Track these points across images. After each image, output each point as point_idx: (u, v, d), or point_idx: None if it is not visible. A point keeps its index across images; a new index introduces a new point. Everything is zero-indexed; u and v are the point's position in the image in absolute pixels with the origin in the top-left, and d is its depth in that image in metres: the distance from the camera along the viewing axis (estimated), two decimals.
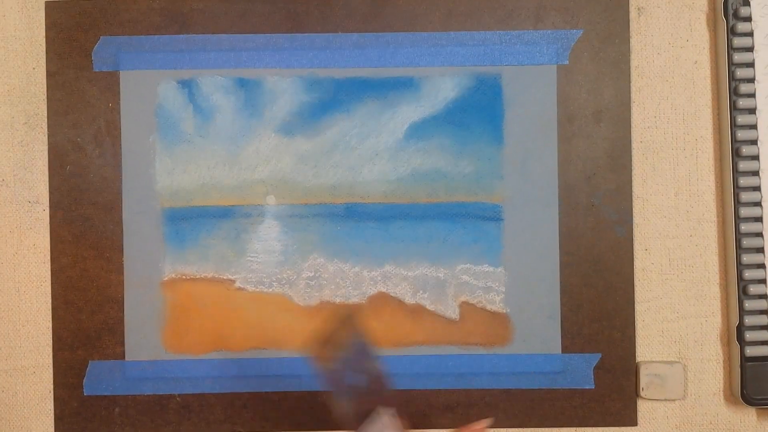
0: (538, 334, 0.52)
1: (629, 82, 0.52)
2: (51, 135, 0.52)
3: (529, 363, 0.52)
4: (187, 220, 0.52)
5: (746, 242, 0.50)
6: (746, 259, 0.50)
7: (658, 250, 0.52)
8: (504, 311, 0.52)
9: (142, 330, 0.52)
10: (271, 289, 0.52)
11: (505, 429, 0.52)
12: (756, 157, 0.50)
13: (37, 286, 0.52)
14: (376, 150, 0.52)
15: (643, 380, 0.51)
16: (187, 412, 0.52)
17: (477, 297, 0.52)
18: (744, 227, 0.50)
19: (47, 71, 0.52)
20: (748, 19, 0.50)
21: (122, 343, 0.52)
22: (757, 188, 0.50)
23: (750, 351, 0.50)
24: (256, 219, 0.52)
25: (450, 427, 0.52)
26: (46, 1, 0.52)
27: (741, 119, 0.50)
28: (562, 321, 0.52)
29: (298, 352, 0.52)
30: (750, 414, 0.52)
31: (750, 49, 0.50)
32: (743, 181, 0.50)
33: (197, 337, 0.52)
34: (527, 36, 0.52)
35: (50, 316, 0.52)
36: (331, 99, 0.52)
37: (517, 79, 0.52)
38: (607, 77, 0.52)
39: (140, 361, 0.52)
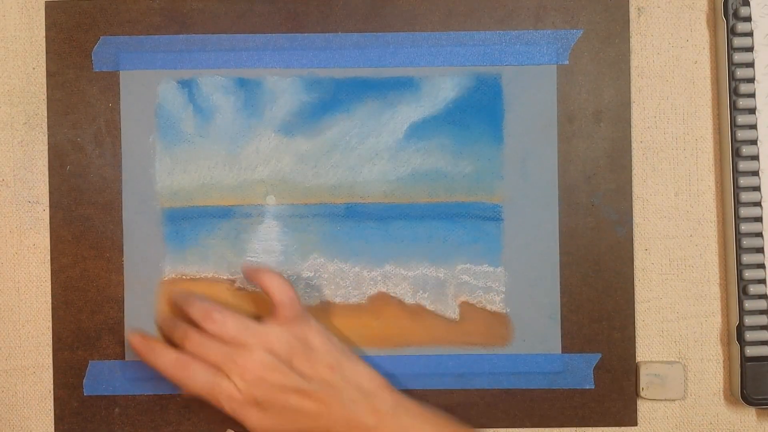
0: (538, 334, 0.52)
1: (629, 82, 0.52)
2: (51, 135, 0.52)
3: (529, 363, 0.52)
4: (187, 220, 0.52)
5: (746, 242, 0.50)
6: (746, 259, 0.50)
7: (658, 250, 0.52)
8: (504, 311, 0.52)
9: (141, 330, 0.51)
10: None
11: (505, 429, 0.52)
12: (756, 157, 0.50)
13: (37, 286, 0.52)
14: (376, 150, 0.52)
15: (643, 380, 0.51)
16: (187, 412, 0.52)
17: (477, 297, 0.52)
18: (744, 227, 0.50)
19: (47, 71, 0.52)
20: (748, 19, 0.50)
21: (122, 343, 0.52)
22: (757, 188, 0.50)
23: (750, 351, 0.50)
24: (256, 219, 0.52)
25: None
26: (46, 1, 0.52)
27: (741, 119, 0.50)
28: (562, 321, 0.52)
29: None
30: (750, 414, 0.52)
31: (750, 49, 0.50)
32: (743, 181, 0.50)
33: None
34: (527, 36, 0.52)
35: (50, 316, 0.52)
36: (331, 99, 0.52)
37: (517, 79, 0.52)
38: (607, 77, 0.52)
39: (140, 361, 0.52)
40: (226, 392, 0.46)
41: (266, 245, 0.52)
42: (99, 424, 0.52)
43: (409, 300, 0.52)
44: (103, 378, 0.52)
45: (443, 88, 0.52)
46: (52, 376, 0.52)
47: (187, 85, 0.52)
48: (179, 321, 0.49)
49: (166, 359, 0.47)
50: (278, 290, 0.48)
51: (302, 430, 0.46)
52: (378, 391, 0.47)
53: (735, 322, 0.51)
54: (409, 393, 0.51)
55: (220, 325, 0.47)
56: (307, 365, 0.46)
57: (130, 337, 0.49)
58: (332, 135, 0.52)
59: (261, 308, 0.52)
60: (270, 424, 0.46)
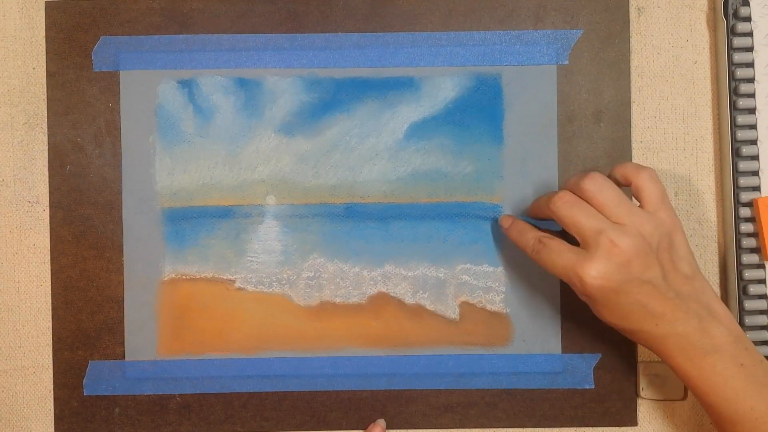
0: (538, 334, 0.52)
1: (629, 82, 0.52)
2: (51, 135, 0.52)
3: (529, 363, 0.52)
4: (187, 220, 0.52)
5: (746, 242, 0.50)
6: (746, 259, 0.50)
7: None
8: (504, 311, 0.52)
9: (141, 330, 0.52)
10: (271, 289, 0.52)
11: (505, 429, 0.52)
12: (756, 157, 0.50)
13: (37, 286, 0.52)
14: (376, 150, 0.52)
15: (643, 380, 0.51)
16: (187, 412, 0.52)
17: (477, 297, 0.52)
18: (744, 227, 0.50)
19: (47, 71, 0.52)
20: (748, 19, 0.50)
21: (122, 343, 0.52)
22: (757, 188, 0.50)
23: None
24: (256, 219, 0.52)
25: (450, 427, 0.52)
26: (46, 1, 0.52)
27: (741, 119, 0.50)
28: (562, 321, 0.52)
29: (298, 352, 0.52)
30: None
31: (750, 49, 0.50)
32: (743, 181, 0.50)
33: (197, 337, 0.52)
34: (527, 36, 0.52)
35: (50, 316, 0.52)
36: (331, 99, 0.52)
37: (517, 79, 0.52)
38: (607, 77, 0.52)
39: (140, 361, 0.52)
40: (585, 273, 0.42)
41: (266, 245, 0.52)
42: (99, 424, 0.52)
43: (409, 300, 0.52)
44: (103, 378, 0.52)
45: (443, 88, 0.52)
46: (52, 376, 0.52)
47: (187, 85, 0.52)
48: (578, 187, 0.46)
49: (528, 237, 0.46)
50: (635, 169, 0.45)
51: (637, 331, 0.44)
52: (724, 318, 0.44)
53: None
54: (409, 393, 0.52)
55: (599, 186, 0.44)
56: (669, 264, 0.43)
57: (502, 218, 0.50)
58: (332, 135, 0.52)
59: (262, 309, 0.52)
60: (611, 313, 0.44)
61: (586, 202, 0.44)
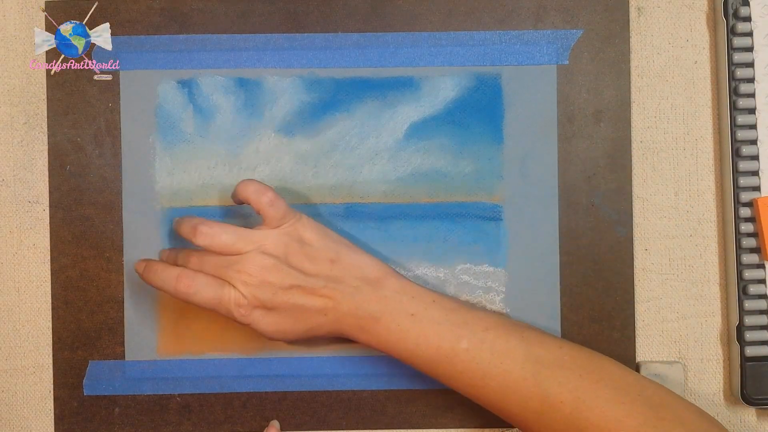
0: None
1: (629, 82, 0.52)
2: (51, 135, 0.52)
3: None
4: None
5: (746, 242, 0.50)
6: (746, 259, 0.50)
7: (658, 250, 0.52)
8: (504, 311, 0.52)
9: (141, 330, 0.52)
10: None
11: (504, 429, 0.52)
12: (756, 157, 0.50)
13: (37, 286, 0.52)
14: (376, 150, 0.52)
15: None
16: (187, 412, 0.52)
17: (477, 297, 0.52)
18: (744, 227, 0.50)
19: (47, 71, 0.52)
20: (748, 19, 0.50)
21: (122, 343, 0.52)
22: (757, 188, 0.50)
23: (750, 351, 0.50)
24: (256, 219, 0.52)
25: (450, 427, 0.52)
26: (46, 1, 0.52)
27: (741, 119, 0.50)
28: (562, 321, 0.52)
29: (298, 352, 0.52)
30: (750, 414, 0.52)
31: (750, 49, 0.50)
32: (743, 181, 0.50)
33: (197, 337, 0.52)
34: (527, 36, 0.52)
35: (50, 316, 0.52)
36: (331, 99, 0.52)
37: (517, 79, 0.52)
38: (607, 77, 0.52)
39: (140, 361, 0.52)
40: (233, 300, 0.45)
41: None
42: (99, 424, 0.52)
43: None
44: (103, 378, 0.52)
45: (443, 88, 0.52)
46: (52, 376, 0.52)
47: (187, 85, 0.52)
48: (180, 249, 0.49)
49: (168, 275, 0.46)
50: (256, 196, 0.47)
51: (313, 327, 0.46)
52: (383, 279, 0.46)
53: (735, 322, 0.51)
54: (409, 393, 0.52)
55: (211, 237, 0.46)
56: (306, 262, 0.46)
57: (136, 265, 0.49)
58: (332, 135, 0.52)
59: None
60: (281, 326, 0.46)
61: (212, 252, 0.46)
